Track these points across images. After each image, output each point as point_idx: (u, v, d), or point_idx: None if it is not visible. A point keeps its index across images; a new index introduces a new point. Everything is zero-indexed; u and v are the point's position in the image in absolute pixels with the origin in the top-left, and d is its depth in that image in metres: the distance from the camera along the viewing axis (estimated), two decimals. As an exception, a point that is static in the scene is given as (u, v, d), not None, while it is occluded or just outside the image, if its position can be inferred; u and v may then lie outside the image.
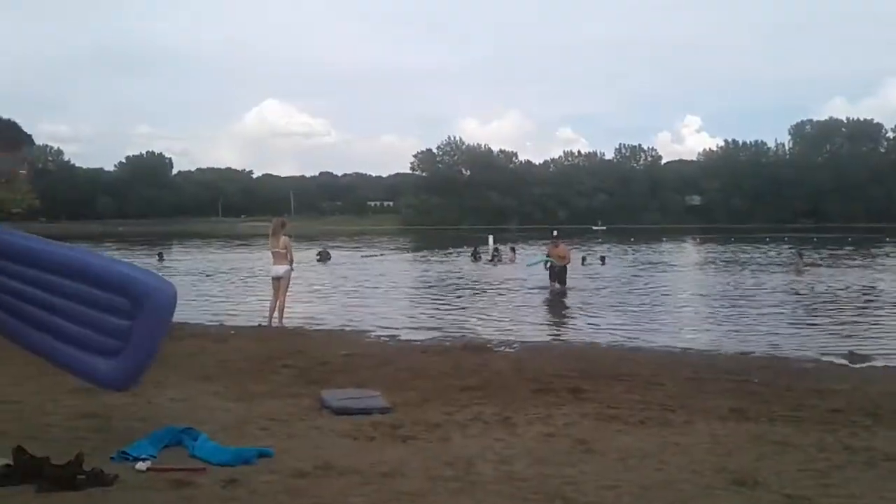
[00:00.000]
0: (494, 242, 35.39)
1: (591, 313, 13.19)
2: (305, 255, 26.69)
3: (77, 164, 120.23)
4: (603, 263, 25.35)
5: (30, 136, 3.46)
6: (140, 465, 3.54)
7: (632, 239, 48.77)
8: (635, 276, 21.54)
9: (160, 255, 29.08)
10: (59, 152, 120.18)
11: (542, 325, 12.17)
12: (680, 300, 15.60)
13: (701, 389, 6.31)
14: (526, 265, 19.05)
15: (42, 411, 4.86)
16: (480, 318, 12.52)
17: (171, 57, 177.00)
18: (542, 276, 17.62)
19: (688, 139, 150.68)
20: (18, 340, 3.64)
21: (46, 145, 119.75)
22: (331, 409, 5.03)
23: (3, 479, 3.26)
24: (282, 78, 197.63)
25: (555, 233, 18.81)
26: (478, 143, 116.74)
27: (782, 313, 13.15)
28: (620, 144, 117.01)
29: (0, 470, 3.31)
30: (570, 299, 15.47)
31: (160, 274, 3.77)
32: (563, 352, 8.75)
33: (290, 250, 11.23)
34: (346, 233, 66.54)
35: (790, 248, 34.16)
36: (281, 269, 11.06)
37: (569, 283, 17.01)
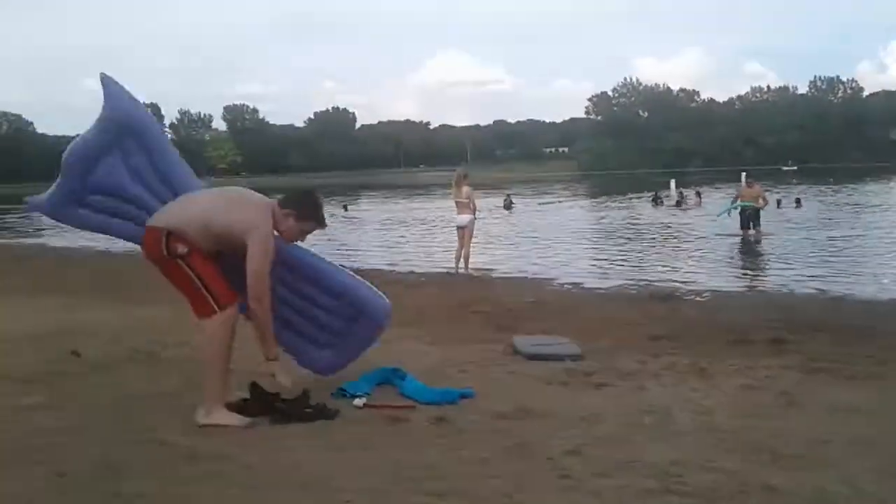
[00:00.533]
0: (677, 186, 34.02)
1: (788, 260, 12.39)
2: (490, 202, 27.17)
3: (270, 122, 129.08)
4: (798, 206, 23.60)
5: (321, 219, 3.98)
6: (357, 402, 3.89)
7: (830, 179, 44.72)
8: (836, 219, 19.88)
9: (345, 206, 30.61)
10: (255, 111, 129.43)
11: (734, 272, 11.58)
12: (889, 244, 14.22)
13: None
14: (716, 216, 18.04)
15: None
16: (666, 266, 12.17)
17: (350, 14, 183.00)
18: (731, 220, 16.77)
19: (893, 67, 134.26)
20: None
21: (244, 104, 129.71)
22: (523, 354, 5.19)
23: (240, 411, 3.72)
24: (456, 28, 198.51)
25: (749, 178, 17.71)
26: (656, 83, 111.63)
27: None
28: (815, 77, 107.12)
29: (238, 404, 3.78)
30: (765, 245, 14.59)
31: (374, 288, 4.20)
32: (759, 301, 8.37)
33: (472, 200, 11.49)
34: (521, 179, 66.51)
35: None
36: (465, 218, 11.37)
37: (763, 227, 16.04)
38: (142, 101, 4.19)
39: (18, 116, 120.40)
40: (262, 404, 3.78)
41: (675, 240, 16.36)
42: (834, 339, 5.93)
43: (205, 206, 3.72)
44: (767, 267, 12.02)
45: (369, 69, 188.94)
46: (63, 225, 4.23)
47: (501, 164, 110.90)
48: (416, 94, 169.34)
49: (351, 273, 4.23)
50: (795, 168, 72.55)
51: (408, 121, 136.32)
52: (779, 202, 23.50)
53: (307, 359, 4.19)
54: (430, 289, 9.48)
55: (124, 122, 3.86)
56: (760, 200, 16.27)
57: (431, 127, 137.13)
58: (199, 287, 3.59)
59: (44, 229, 28.34)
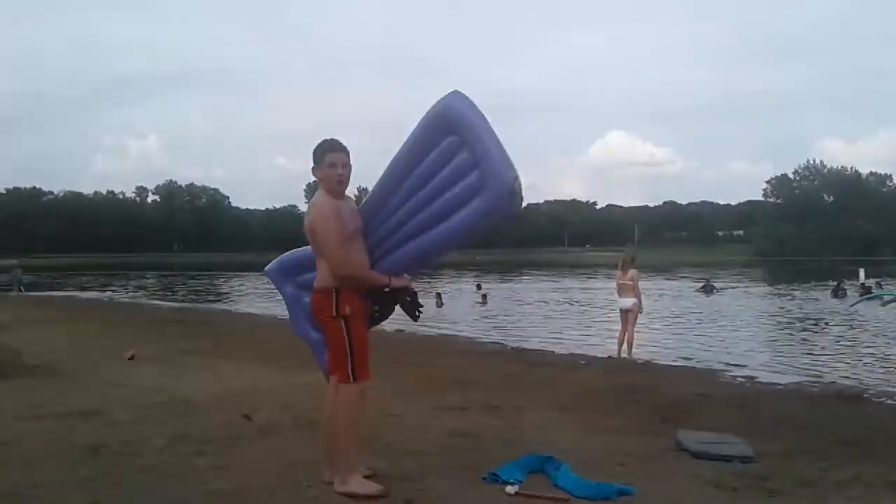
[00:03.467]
0: (866, 277, 31.22)
1: None
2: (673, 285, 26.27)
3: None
4: None
5: (329, 146, 3.84)
6: (509, 489, 3.78)
7: None
8: None
9: (478, 285, 28.82)
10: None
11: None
12: None
13: None
14: (880, 304, 16.19)
15: (422, 426, 5.46)
16: (850, 363, 11.11)
17: (519, 96, 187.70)
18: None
19: None
20: (428, 255, 3.91)
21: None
22: (689, 451, 4.86)
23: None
24: (625, 109, 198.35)
25: None
26: (842, 166, 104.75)
27: None
28: None
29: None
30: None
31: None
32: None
33: (637, 284, 11.19)
34: (691, 263, 64.01)
35: None
36: (629, 301, 11.07)
37: None
38: None
39: (216, 191, 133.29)
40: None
41: (862, 333, 14.90)
42: None
43: (314, 246, 3.82)
44: None
45: (536, 148, 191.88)
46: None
47: (671, 246, 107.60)
48: (582, 173, 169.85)
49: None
50: None
51: (574, 200, 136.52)
52: None
53: (475, 219, 3.59)
54: (589, 373, 9.19)
55: (276, 276, 4.37)
56: None
57: (598, 207, 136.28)
58: (347, 353, 3.71)
59: (227, 293, 30.73)
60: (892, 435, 5.84)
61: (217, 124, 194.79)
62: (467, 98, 3.60)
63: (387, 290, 3.77)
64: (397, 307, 3.90)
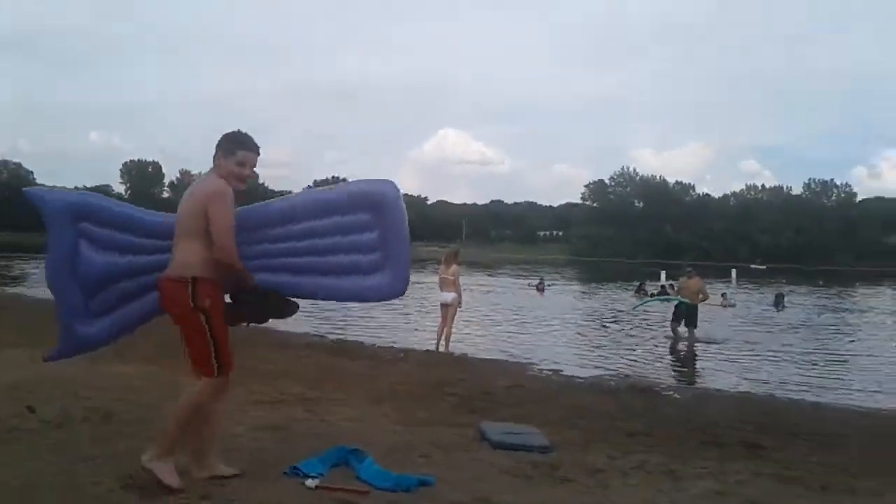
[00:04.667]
0: (666, 279, 34.10)
1: (773, 363, 12.33)
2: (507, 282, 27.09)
3: (270, 188, 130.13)
4: (779, 308, 23.76)
5: (243, 141, 3.75)
6: (309, 482, 3.74)
7: (820, 282, 45.08)
8: (822, 323, 19.93)
9: None
10: (255, 175, 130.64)
11: (713, 370, 11.50)
12: (869, 353, 14.20)
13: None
14: (631, 308, 18.03)
15: (231, 420, 5.27)
16: (647, 358, 12.12)
17: (355, 88, 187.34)
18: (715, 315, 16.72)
19: (887, 174, 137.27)
20: (297, 293, 3.88)
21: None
22: (489, 441, 5.05)
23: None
24: (459, 108, 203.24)
25: (689, 268, 16.28)
26: (652, 175, 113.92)
27: None
28: (810, 179, 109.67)
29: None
30: (749, 345, 14.51)
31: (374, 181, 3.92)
32: (737, 401, 8.25)
33: (457, 279, 11.50)
34: (513, 261, 66.84)
35: None
36: (449, 296, 11.35)
37: (727, 331, 15.83)
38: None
39: (19, 165, 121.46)
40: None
41: (660, 331, 16.27)
42: (810, 448, 5.81)
43: (186, 227, 3.59)
44: (752, 368, 11.87)
45: (369, 140, 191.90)
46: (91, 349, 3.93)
47: (496, 244, 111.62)
48: (415, 168, 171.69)
49: (341, 185, 4.02)
50: (764, 267, 72.76)
51: (406, 195, 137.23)
52: (779, 297, 24.52)
53: (362, 292, 3.87)
54: (407, 366, 9.34)
55: (66, 215, 3.68)
56: (700, 296, 14.90)
57: (429, 202, 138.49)
58: (210, 347, 3.54)
59: (23, 276, 28.18)
60: (675, 427, 6.38)
61: (25, 94, 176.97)
62: (399, 192, 3.93)
63: (248, 291, 3.66)
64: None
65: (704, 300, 15.13)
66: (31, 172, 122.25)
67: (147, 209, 4.07)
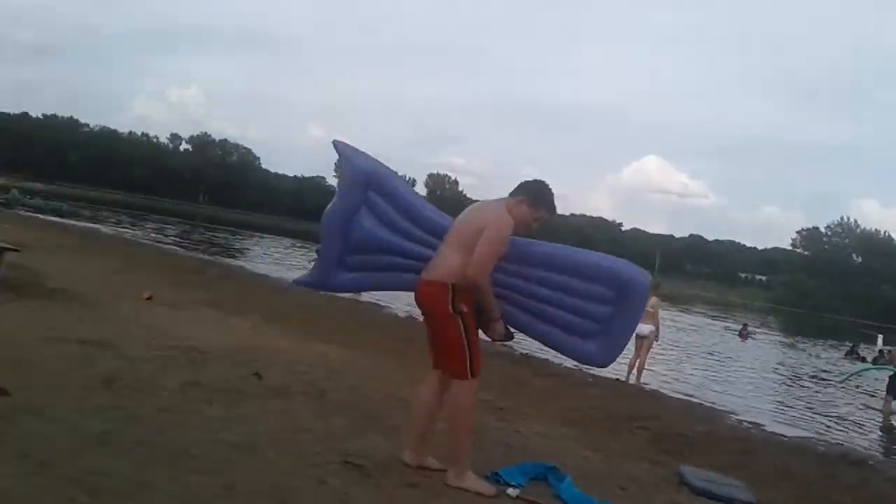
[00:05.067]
0: (884, 344, 30.80)
1: None
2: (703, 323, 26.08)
3: (468, 195, 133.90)
4: None
5: (552, 206, 3.95)
6: (511, 491, 3.78)
7: None
8: None
9: None
10: (456, 182, 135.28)
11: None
12: None
13: None
14: (842, 377, 15.91)
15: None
16: (858, 429, 10.99)
17: (562, 109, 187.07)
18: None
19: None
20: (527, 332, 4.07)
21: (446, 175, 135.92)
22: (690, 487, 4.83)
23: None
24: (666, 136, 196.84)
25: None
26: (876, 229, 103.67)
27: None
28: None
29: None
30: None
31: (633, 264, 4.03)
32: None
33: (657, 312, 11.12)
34: (707, 300, 63.53)
35: None
36: (646, 328, 10.98)
37: None
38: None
39: (248, 150, 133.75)
40: None
41: (876, 398, 14.69)
42: None
43: (462, 233, 3.76)
44: None
45: (570, 162, 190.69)
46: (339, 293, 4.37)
47: (691, 279, 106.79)
48: (613, 193, 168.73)
49: (600, 254, 4.11)
50: None
51: (600, 217, 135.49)
52: None
53: (575, 352, 4.05)
54: (596, 391, 9.17)
55: (361, 179, 4.01)
56: None
57: (623, 228, 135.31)
58: (465, 349, 3.71)
59: (245, 250, 30.94)
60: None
61: (258, 85, 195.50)
62: (647, 286, 4.05)
63: (490, 321, 3.82)
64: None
65: None
66: (259, 158, 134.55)
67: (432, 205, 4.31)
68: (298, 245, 38.98)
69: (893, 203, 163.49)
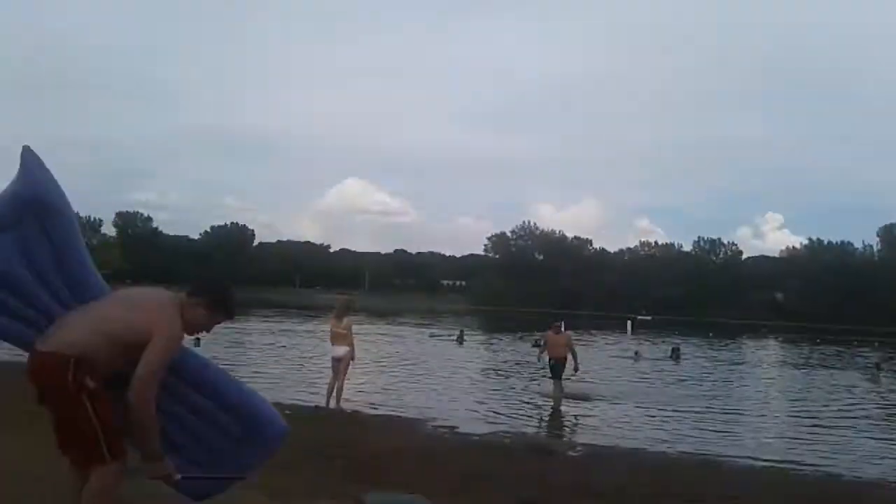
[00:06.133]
0: (565, 329, 34.61)
1: (663, 416, 12.41)
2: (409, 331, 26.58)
3: (164, 231, 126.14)
4: (675, 359, 24.55)
5: (231, 311, 3.55)
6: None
7: (710, 334, 46.95)
8: (720, 377, 20.54)
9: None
10: (149, 219, 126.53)
11: (614, 425, 11.34)
12: (760, 406, 14.60)
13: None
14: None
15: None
16: (544, 411, 12.00)
17: (259, 137, 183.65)
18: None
19: (769, 235, 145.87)
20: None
21: (137, 212, 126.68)
22: (372, 516, 4.64)
23: None
24: (363, 158, 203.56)
25: (557, 322, 15.22)
26: (552, 229, 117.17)
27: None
28: (699, 237, 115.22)
29: None
30: (637, 395, 14.65)
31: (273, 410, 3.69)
32: (631, 462, 8.07)
33: (350, 332, 11.01)
34: (416, 310, 66.52)
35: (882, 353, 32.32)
36: (341, 350, 10.79)
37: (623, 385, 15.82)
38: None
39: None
40: None
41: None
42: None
43: (110, 317, 3.18)
44: (645, 423, 11.88)
45: (273, 189, 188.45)
46: None
47: (401, 293, 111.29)
48: (318, 217, 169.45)
49: (246, 388, 3.69)
50: (650, 318, 75.43)
51: (308, 242, 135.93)
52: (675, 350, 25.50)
53: (186, 484, 3.45)
54: (293, 424, 8.75)
55: (34, 199, 3.24)
56: (565, 349, 14.06)
57: (332, 250, 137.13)
58: (97, 431, 3.04)
59: None
60: (568, 494, 6.11)
61: None
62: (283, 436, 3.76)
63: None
64: None
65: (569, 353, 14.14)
66: None
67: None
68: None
69: (564, 206, 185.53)
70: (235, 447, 3.49)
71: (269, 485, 5.42)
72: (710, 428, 11.33)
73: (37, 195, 3.27)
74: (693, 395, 15.78)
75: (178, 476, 3.26)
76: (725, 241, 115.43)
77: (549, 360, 14.17)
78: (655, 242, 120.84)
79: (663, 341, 35.13)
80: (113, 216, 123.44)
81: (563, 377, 13.89)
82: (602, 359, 24.02)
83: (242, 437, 3.49)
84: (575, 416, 12.08)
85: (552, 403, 13.13)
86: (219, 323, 3.48)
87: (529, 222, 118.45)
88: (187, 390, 3.43)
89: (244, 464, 3.59)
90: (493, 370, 19.12)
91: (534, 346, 27.37)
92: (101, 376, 3.11)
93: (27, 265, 3.23)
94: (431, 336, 31.53)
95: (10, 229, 3.20)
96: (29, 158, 3.36)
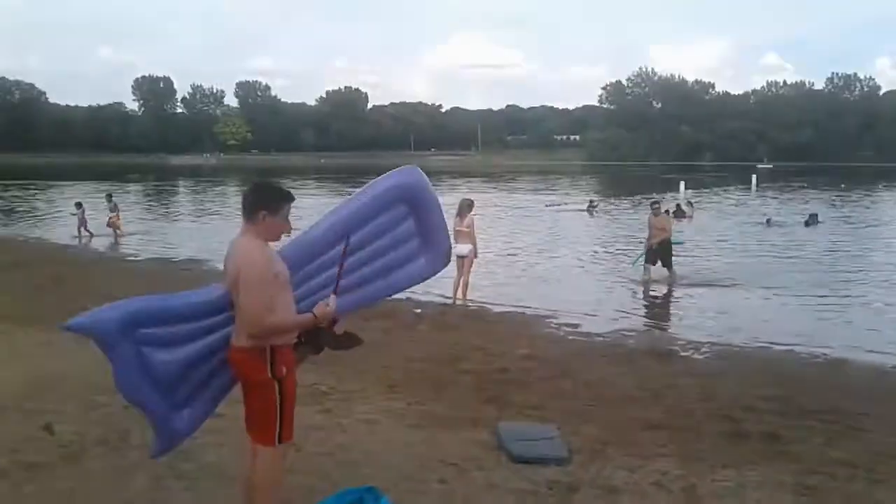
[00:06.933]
0: (686, 188, 33.71)
1: (797, 304, 12.05)
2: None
3: (283, 99, 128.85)
4: (813, 225, 23.00)
5: (288, 195, 3.66)
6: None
7: (842, 185, 43.87)
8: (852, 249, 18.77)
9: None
10: (267, 88, 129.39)
11: (742, 316, 10.93)
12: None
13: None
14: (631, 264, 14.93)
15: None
16: (663, 301, 12.02)
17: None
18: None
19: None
20: (361, 306, 4.02)
21: (257, 81, 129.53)
22: (507, 453, 5.01)
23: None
24: (474, 9, 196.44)
25: (656, 202, 14.58)
26: (671, 74, 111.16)
27: None
28: (833, 73, 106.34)
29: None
30: (772, 276, 14.15)
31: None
32: (758, 365, 8.06)
33: (473, 230, 11.31)
34: (530, 169, 66.06)
35: None
36: (465, 248, 11.17)
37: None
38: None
39: (32, 86, 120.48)
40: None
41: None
42: (828, 437, 5.69)
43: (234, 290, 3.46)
44: (779, 314, 11.32)
45: (383, 48, 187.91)
46: None
47: (512, 150, 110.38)
48: (429, 75, 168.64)
49: (371, 185, 4.01)
50: (771, 166, 71.32)
51: (420, 102, 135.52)
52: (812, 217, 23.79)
53: (412, 280, 4.11)
54: (423, 328, 9.31)
55: (113, 333, 3.38)
56: (664, 232, 13.61)
57: (444, 110, 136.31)
58: (276, 416, 3.46)
59: (44, 211, 28.00)
60: (692, 412, 6.19)
61: (33, 11, 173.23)
62: (423, 179, 4.00)
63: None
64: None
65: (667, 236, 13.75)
66: (45, 93, 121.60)
67: (191, 291, 3.78)
68: (103, 189, 35.77)
69: (683, 46, 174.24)
70: (415, 218, 3.95)
71: (410, 413, 5.89)
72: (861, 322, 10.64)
73: (118, 325, 3.38)
74: (832, 278, 14.35)
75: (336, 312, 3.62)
76: (862, 76, 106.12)
77: (652, 245, 13.68)
78: (784, 82, 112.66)
79: (791, 199, 33.55)
80: (234, 87, 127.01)
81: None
82: (728, 228, 23.11)
83: (409, 209, 3.93)
84: (700, 309, 11.66)
85: (666, 291, 13.09)
86: (288, 213, 3.58)
87: (646, 68, 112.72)
88: (347, 241, 3.75)
89: (434, 214, 4.02)
90: (607, 248, 18.79)
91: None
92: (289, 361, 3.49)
93: (174, 345, 3.56)
94: (548, 206, 31.26)
95: (137, 350, 3.42)
96: (82, 323, 3.41)
